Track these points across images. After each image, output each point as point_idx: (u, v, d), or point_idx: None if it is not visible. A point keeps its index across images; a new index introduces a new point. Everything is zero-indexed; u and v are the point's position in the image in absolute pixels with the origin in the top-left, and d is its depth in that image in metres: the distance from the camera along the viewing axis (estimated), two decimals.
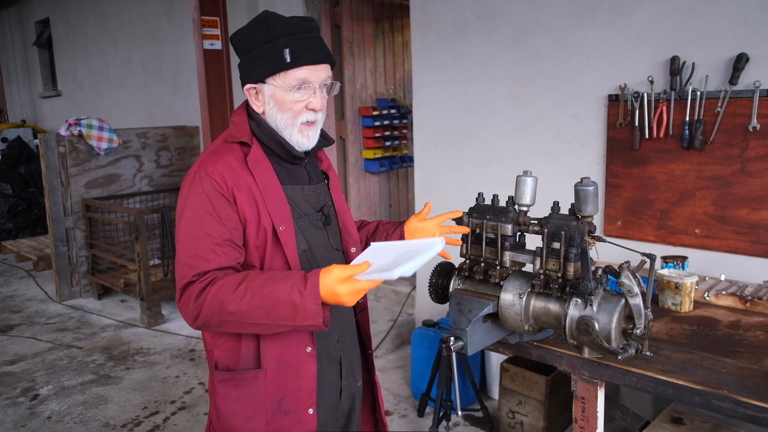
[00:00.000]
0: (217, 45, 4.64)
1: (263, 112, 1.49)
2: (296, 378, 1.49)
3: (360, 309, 1.73)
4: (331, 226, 1.61)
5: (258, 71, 1.44)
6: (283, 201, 1.47)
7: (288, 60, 1.41)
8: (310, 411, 1.50)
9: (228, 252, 1.42)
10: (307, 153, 1.56)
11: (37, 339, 4.50)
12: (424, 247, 1.35)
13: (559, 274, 1.54)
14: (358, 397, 1.72)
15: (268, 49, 1.42)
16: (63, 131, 5.12)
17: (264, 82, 1.45)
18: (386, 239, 1.72)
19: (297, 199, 1.52)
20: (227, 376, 1.51)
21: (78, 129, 5.11)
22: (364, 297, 1.71)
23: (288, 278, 1.33)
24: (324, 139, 1.59)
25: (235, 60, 4.84)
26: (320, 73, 1.46)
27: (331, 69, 1.52)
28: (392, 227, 1.75)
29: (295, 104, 1.45)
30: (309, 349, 1.49)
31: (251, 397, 1.49)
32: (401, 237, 1.71)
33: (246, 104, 1.57)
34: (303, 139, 1.49)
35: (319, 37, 1.48)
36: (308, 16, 1.56)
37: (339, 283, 1.30)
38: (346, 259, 1.65)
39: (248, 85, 1.48)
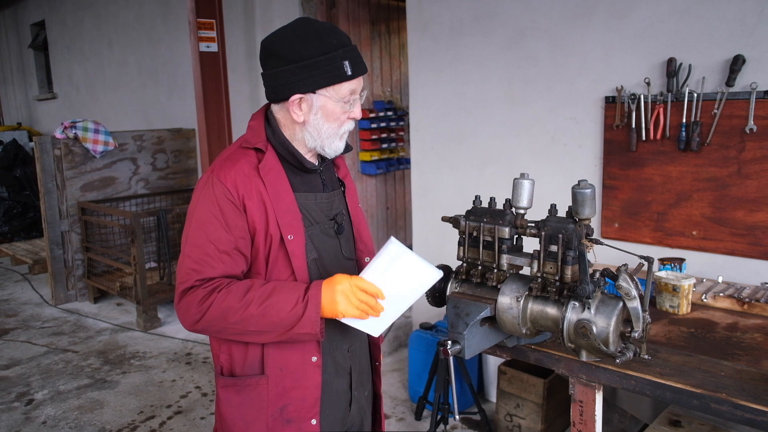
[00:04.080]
0: (213, 47, 4.63)
1: (304, 122, 1.46)
2: (299, 387, 1.48)
3: None
4: (344, 234, 1.59)
5: (311, 81, 1.41)
6: (294, 209, 1.46)
7: (349, 72, 1.42)
8: (313, 422, 1.50)
9: (234, 260, 1.42)
10: (322, 160, 1.56)
11: (32, 343, 4.47)
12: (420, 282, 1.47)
13: (557, 278, 1.53)
14: (368, 408, 1.72)
15: (325, 60, 1.39)
16: (58, 134, 5.09)
17: (314, 92, 1.42)
18: None
19: (309, 207, 1.52)
20: (230, 381, 1.51)
21: (73, 132, 5.09)
22: None
23: (293, 289, 1.39)
24: None
25: (233, 62, 4.89)
26: (362, 83, 1.49)
27: None
28: None
29: (342, 114, 1.46)
30: (314, 358, 1.48)
31: (253, 403, 1.49)
32: None
33: (264, 110, 1.55)
34: (341, 144, 1.52)
35: None
36: (330, 23, 1.56)
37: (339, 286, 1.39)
38: (359, 269, 1.63)
39: (296, 96, 1.43)
